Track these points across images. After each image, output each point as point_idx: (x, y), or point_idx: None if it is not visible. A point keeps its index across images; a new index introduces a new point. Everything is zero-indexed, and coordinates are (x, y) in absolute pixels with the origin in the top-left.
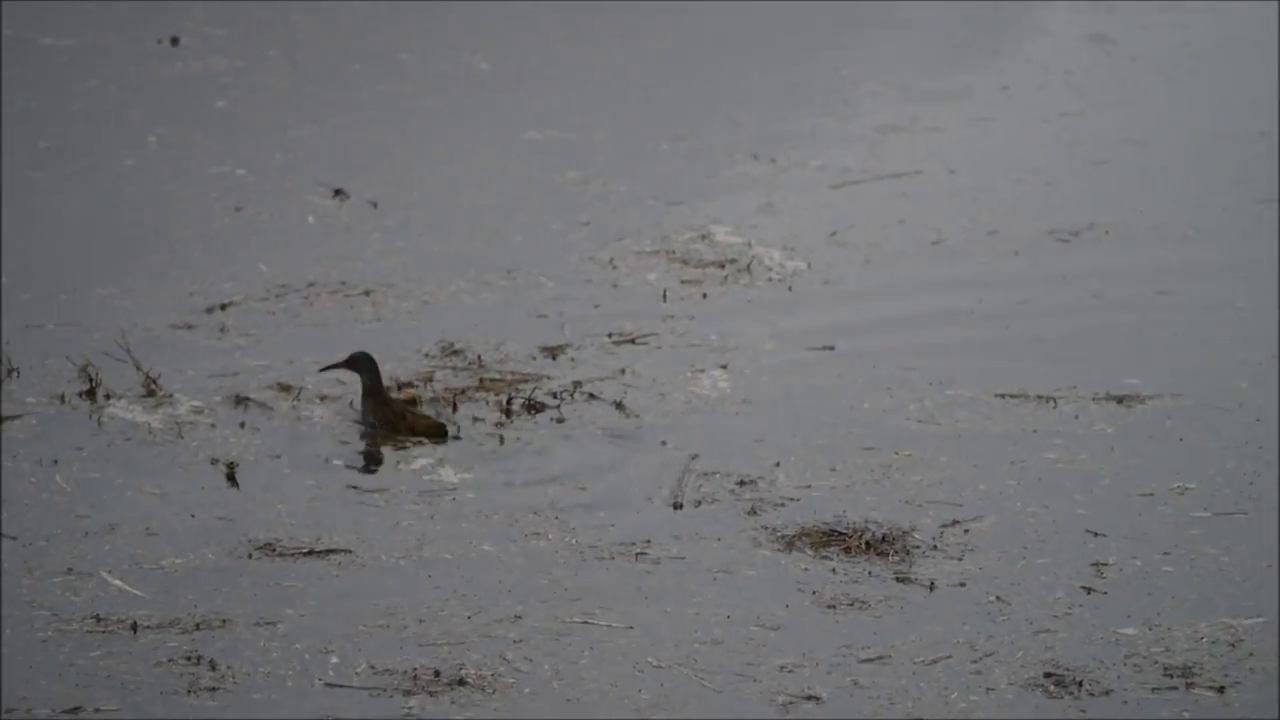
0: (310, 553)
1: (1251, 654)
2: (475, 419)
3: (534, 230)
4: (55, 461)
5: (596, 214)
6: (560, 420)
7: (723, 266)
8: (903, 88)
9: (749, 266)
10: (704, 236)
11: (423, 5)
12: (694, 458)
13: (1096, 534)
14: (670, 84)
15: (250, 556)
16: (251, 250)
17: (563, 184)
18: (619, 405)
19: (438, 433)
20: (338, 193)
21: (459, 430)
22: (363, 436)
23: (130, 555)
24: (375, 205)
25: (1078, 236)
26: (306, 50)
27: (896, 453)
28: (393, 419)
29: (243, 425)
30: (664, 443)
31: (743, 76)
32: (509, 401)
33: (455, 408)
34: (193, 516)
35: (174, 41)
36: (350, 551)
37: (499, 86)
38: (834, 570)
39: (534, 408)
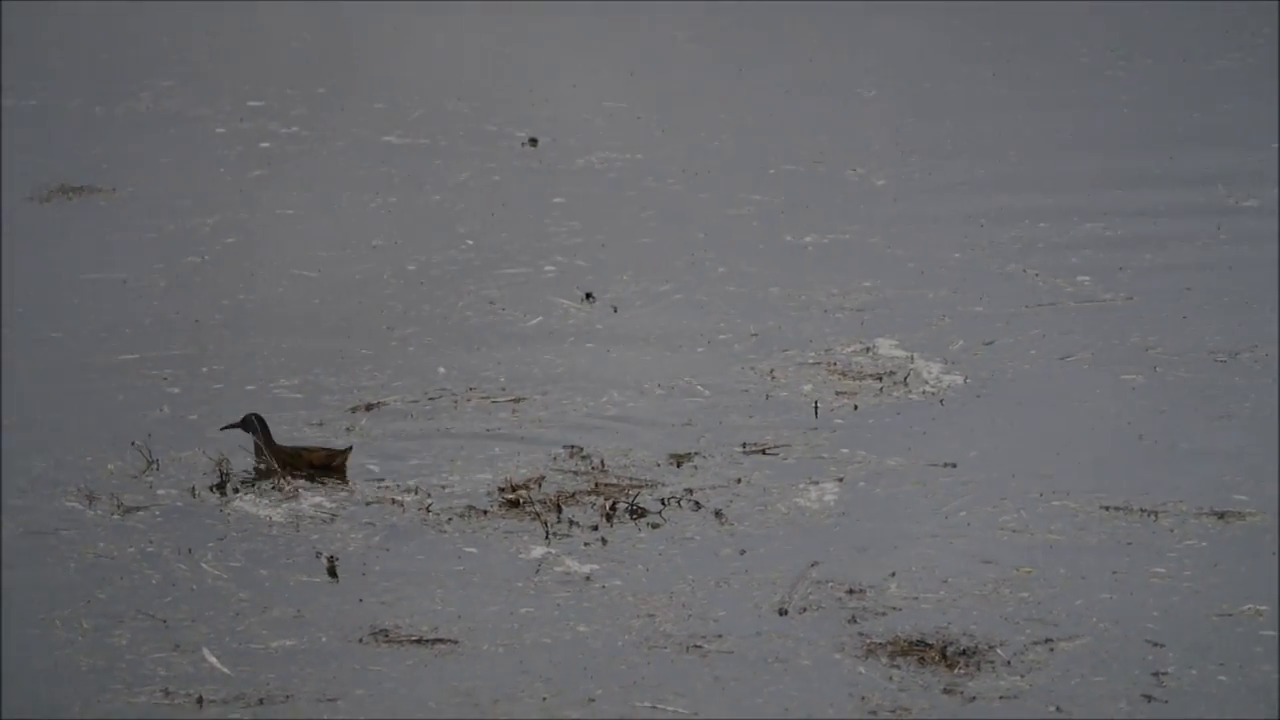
0: (419, 640)
1: None
2: (572, 522)
3: (712, 338)
4: (190, 550)
5: (768, 324)
6: (656, 526)
7: (879, 379)
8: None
9: (905, 379)
10: (868, 349)
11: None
12: (813, 565)
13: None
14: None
15: (361, 641)
16: (457, 349)
17: (790, 294)
18: (718, 514)
19: (329, 461)
20: (588, 296)
21: (349, 455)
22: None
23: (252, 636)
24: (615, 310)
25: (1235, 358)
26: (654, 152)
27: (1016, 569)
28: (288, 459)
29: (342, 521)
30: (742, 551)
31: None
32: (612, 506)
33: (560, 510)
34: (362, 601)
35: (532, 142)
36: (456, 641)
37: (817, 188)
38: (890, 678)
39: (636, 513)
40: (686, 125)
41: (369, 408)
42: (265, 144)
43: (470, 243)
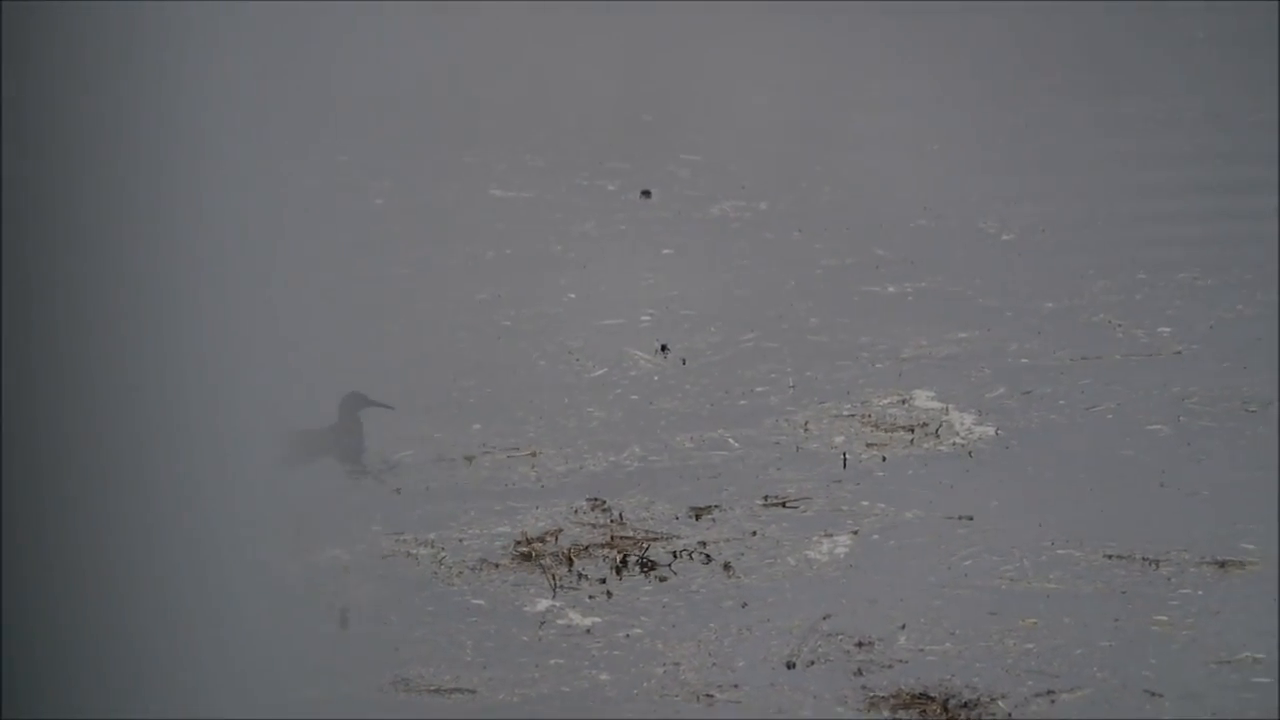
0: (438, 690)
1: None
2: (581, 575)
3: (750, 390)
4: (210, 600)
5: (810, 375)
6: (664, 579)
7: (911, 430)
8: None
9: (937, 431)
10: (904, 401)
11: None
12: (825, 618)
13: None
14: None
15: (380, 690)
16: (511, 401)
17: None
18: (726, 566)
19: None
20: (663, 348)
21: None
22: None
23: (282, 685)
24: (684, 362)
25: (1267, 408)
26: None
27: (1022, 620)
28: None
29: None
30: (744, 605)
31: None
32: (623, 559)
33: (571, 562)
34: (398, 650)
35: (646, 194)
36: (474, 691)
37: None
38: None
39: (646, 566)
40: (817, 176)
41: (399, 460)
42: (380, 201)
43: (572, 295)
